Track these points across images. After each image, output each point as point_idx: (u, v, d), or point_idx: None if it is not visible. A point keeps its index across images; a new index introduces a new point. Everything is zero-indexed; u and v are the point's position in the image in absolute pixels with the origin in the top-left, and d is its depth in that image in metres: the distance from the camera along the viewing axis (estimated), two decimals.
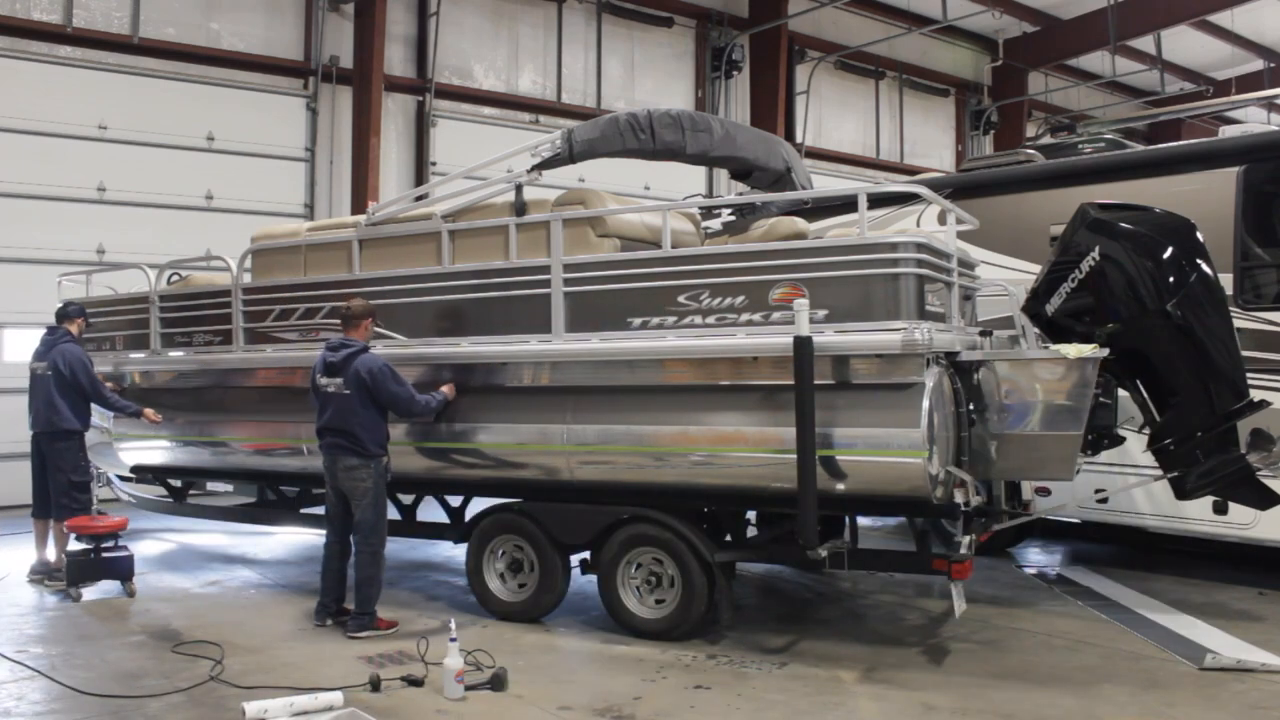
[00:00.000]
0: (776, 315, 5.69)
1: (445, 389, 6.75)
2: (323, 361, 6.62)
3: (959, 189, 8.50)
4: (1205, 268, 5.89)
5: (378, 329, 7.05)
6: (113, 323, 9.14)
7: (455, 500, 7.76)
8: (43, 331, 8.47)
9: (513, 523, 6.75)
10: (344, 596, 6.76)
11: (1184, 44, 22.03)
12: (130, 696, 5.29)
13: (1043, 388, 5.74)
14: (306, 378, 7.68)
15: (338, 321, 6.90)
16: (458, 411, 6.84)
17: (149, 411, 8.25)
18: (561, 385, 6.60)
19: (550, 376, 6.65)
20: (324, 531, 6.86)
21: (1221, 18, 20.40)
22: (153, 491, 9.51)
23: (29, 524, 8.32)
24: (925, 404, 5.41)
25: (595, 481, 6.44)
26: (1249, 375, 6.10)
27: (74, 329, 8.35)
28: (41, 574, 8.00)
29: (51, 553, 8.04)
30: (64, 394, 7.98)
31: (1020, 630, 6.50)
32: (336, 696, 5.04)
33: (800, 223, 6.67)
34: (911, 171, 19.33)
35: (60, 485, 7.90)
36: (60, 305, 8.64)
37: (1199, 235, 5.98)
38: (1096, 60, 22.33)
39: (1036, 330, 6.50)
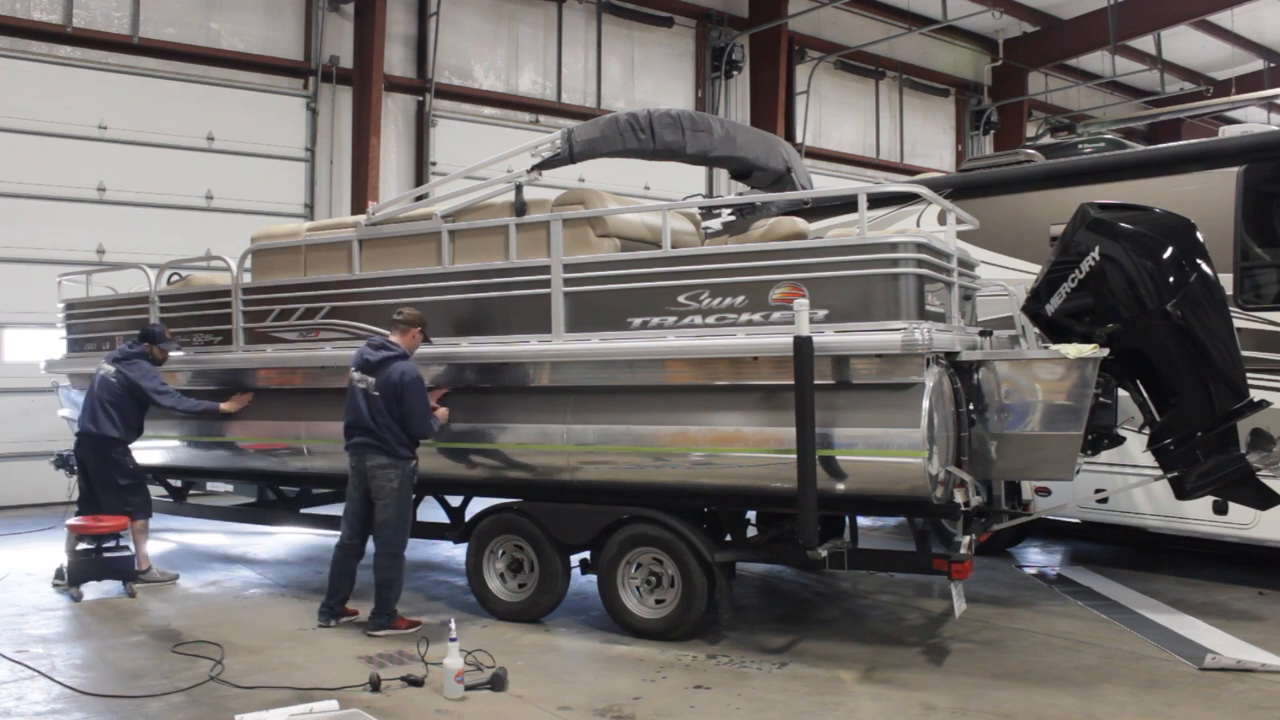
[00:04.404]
0: (776, 315, 5.70)
1: (440, 413, 6.68)
2: (361, 357, 6.57)
3: (959, 189, 8.50)
4: (1205, 268, 5.88)
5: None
6: (113, 323, 9.14)
7: (455, 500, 7.77)
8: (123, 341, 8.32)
9: (513, 523, 6.75)
10: (349, 598, 6.73)
11: (1184, 44, 22.03)
12: (130, 696, 5.29)
13: (1043, 388, 5.74)
14: (305, 378, 7.71)
15: (337, 322, 6.90)
16: (458, 412, 6.84)
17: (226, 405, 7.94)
18: (561, 385, 6.59)
19: (550, 376, 6.65)
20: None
21: (1221, 18, 20.41)
22: (153, 491, 9.50)
23: (29, 524, 8.29)
24: (925, 404, 5.41)
25: (595, 481, 6.44)
26: (1249, 375, 6.10)
27: (156, 352, 8.04)
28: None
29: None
30: (126, 405, 7.86)
31: (1020, 630, 6.50)
32: (332, 704, 5.02)
33: (800, 223, 6.66)
34: (911, 171, 19.33)
35: (113, 488, 7.83)
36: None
37: (1199, 235, 5.98)
38: (1096, 60, 22.32)
39: (1036, 330, 6.50)
